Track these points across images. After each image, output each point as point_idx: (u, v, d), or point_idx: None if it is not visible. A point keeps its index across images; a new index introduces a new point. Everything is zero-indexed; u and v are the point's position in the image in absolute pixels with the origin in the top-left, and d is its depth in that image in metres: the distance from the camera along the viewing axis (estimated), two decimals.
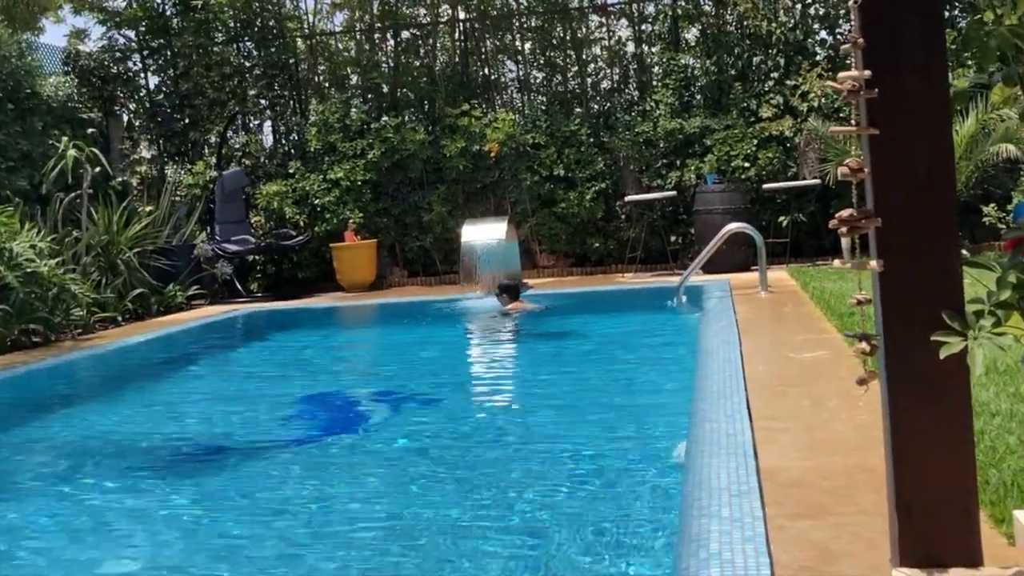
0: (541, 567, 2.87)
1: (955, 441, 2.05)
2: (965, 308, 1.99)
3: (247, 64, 12.84)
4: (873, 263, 2.04)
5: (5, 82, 10.37)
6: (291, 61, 12.74)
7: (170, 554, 3.26)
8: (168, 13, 12.62)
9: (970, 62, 9.95)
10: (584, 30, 12.32)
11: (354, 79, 12.86)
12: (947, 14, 10.18)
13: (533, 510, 3.41)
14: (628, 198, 10.60)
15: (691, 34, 11.85)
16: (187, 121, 12.62)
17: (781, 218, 10.47)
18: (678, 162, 11.00)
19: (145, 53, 12.74)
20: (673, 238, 11.07)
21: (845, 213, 2.04)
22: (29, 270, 7.64)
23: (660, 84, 11.46)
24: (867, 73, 2.01)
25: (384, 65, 12.63)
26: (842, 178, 2.07)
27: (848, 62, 2.08)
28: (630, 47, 12.13)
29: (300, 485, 4.07)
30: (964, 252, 2.06)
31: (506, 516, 3.37)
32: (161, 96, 12.83)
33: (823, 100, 10.44)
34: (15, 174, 10.01)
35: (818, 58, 10.99)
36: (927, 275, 2.04)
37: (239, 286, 11.00)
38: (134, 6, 12.46)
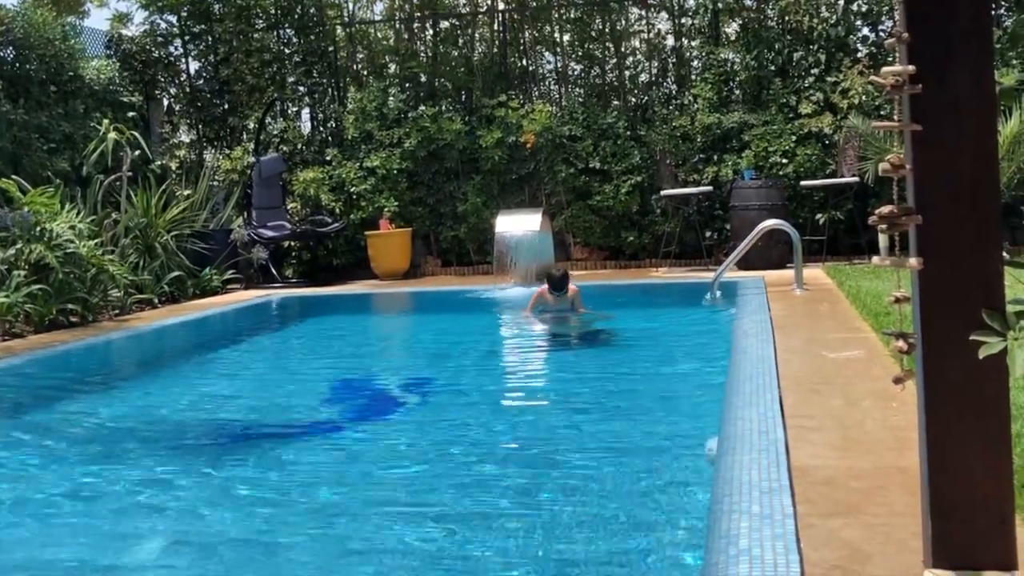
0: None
1: (992, 444, 2.03)
2: (1005, 308, 1.97)
3: (287, 51, 12.90)
4: (912, 261, 2.02)
5: (48, 64, 10.50)
6: (330, 49, 12.79)
7: (200, 532, 3.30)
8: None
9: (1015, 60, 9.83)
10: (623, 23, 12.25)
11: (392, 68, 12.87)
12: (992, 12, 10.00)
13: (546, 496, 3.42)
14: (664, 192, 10.54)
15: (731, 28, 11.75)
16: (226, 107, 12.72)
17: (818, 215, 10.38)
18: (715, 157, 10.94)
19: (186, 38, 12.84)
20: (708, 233, 11.00)
21: (885, 209, 2.02)
22: (68, 251, 7.74)
23: (699, 78, 11.39)
24: (911, 68, 1.98)
25: (422, 54, 12.65)
26: (883, 174, 2.04)
27: (891, 59, 2.05)
28: (669, 40, 12.07)
29: (330, 467, 4.09)
30: (1004, 253, 2.03)
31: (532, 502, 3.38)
32: (201, 81, 12.94)
33: (864, 97, 10.32)
34: (56, 156, 10.14)
35: (860, 55, 10.86)
36: (967, 274, 2.01)
37: (274, 271, 11.07)
38: None
